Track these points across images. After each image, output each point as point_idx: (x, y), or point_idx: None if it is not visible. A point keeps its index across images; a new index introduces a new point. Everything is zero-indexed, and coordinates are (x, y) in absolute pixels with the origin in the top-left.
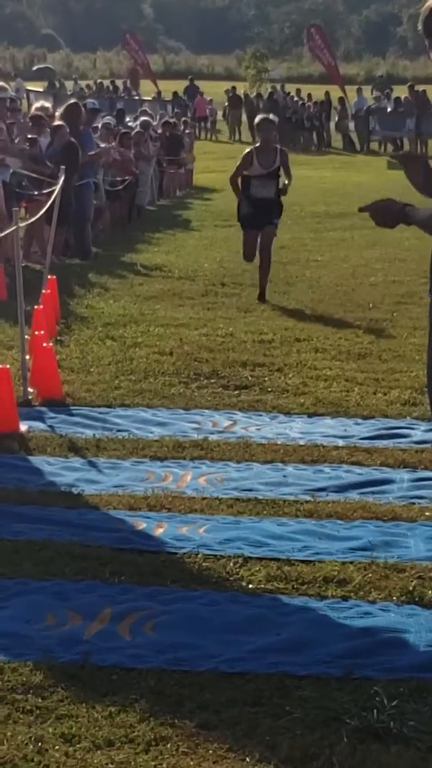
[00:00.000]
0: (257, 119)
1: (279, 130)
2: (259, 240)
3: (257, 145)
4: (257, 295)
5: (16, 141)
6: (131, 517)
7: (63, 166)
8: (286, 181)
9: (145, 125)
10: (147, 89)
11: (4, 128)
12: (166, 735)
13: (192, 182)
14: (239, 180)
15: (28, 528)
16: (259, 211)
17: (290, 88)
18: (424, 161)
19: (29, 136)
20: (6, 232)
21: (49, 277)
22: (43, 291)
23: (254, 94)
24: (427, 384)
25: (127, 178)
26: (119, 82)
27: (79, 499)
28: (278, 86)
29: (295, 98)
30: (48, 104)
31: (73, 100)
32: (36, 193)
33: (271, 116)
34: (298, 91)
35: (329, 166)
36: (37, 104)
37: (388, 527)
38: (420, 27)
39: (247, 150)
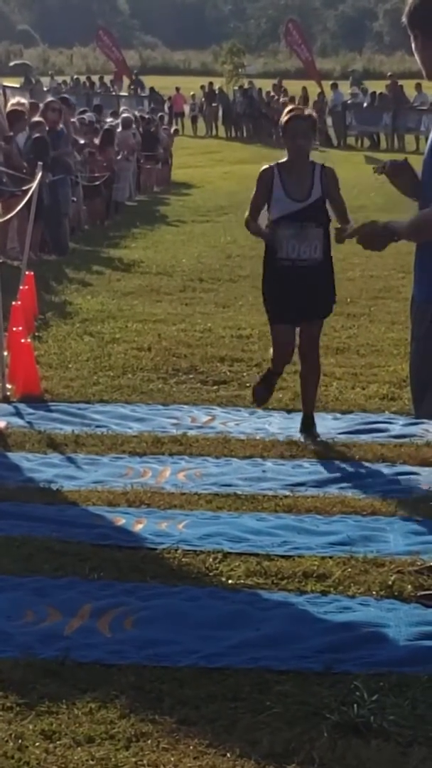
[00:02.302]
0: (284, 117)
1: (254, 125)
2: (298, 337)
3: (282, 160)
4: (301, 422)
5: None
6: (110, 513)
7: (40, 163)
8: (338, 223)
9: (126, 122)
10: (123, 85)
11: None
12: (146, 731)
13: (170, 178)
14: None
15: (7, 524)
16: (295, 290)
17: (266, 83)
18: (408, 167)
19: (7, 134)
20: None
21: (26, 273)
22: (21, 287)
23: (232, 89)
24: (410, 378)
25: (104, 174)
26: (95, 78)
27: (58, 495)
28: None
29: (271, 93)
30: (24, 100)
31: (50, 98)
32: (16, 190)
33: (306, 112)
34: (275, 86)
35: None
36: (12, 100)
37: (367, 522)
38: (404, 19)
39: (265, 167)
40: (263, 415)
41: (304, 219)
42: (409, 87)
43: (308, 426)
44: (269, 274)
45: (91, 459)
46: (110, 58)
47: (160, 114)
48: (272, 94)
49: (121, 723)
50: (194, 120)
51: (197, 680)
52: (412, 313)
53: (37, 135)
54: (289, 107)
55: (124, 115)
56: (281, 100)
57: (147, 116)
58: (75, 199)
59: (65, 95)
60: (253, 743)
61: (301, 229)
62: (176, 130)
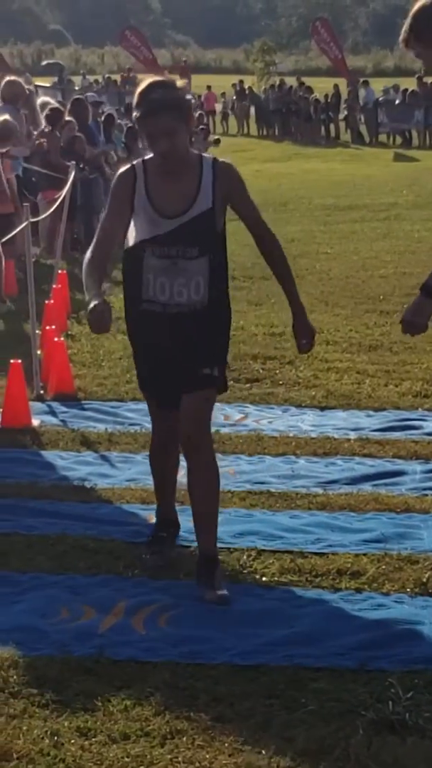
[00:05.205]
0: (135, 103)
1: (283, 122)
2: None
3: (149, 156)
4: (197, 565)
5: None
6: (144, 511)
7: (73, 162)
8: (261, 251)
9: None
10: None
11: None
12: (181, 728)
13: None
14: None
15: (42, 522)
16: (166, 348)
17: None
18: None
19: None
20: (18, 228)
21: (59, 271)
22: (54, 285)
23: (263, 87)
24: None
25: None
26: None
27: (92, 493)
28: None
29: (298, 92)
30: (50, 100)
31: (76, 96)
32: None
33: (176, 84)
34: (301, 84)
35: (338, 158)
36: (39, 100)
37: (400, 519)
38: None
39: (124, 168)
40: (296, 413)
41: (179, 244)
42: None
43: (208, 571)
44: (130, 321)
45: (124, 457)
46: (137, 59)
47: (199, 113)
48: (299, 93)
49: (156, 720)
50: (225, 117)
51: (232, 677)
52: None
53: (73, 135)
54: (146, 82)
55: None
56: (311, 97)
57: None
58: (105, 197)
59: (94, 95)
60: (288, 740)
61: (173, 260)
62: (213, 137)
